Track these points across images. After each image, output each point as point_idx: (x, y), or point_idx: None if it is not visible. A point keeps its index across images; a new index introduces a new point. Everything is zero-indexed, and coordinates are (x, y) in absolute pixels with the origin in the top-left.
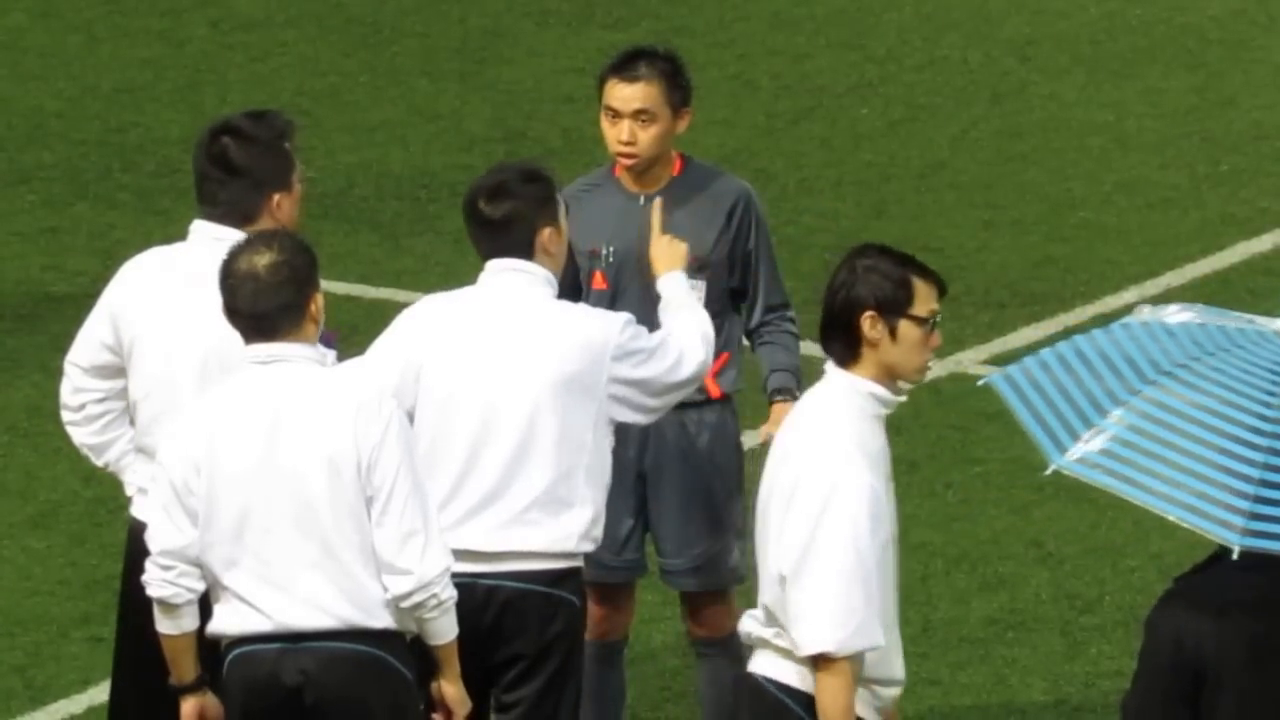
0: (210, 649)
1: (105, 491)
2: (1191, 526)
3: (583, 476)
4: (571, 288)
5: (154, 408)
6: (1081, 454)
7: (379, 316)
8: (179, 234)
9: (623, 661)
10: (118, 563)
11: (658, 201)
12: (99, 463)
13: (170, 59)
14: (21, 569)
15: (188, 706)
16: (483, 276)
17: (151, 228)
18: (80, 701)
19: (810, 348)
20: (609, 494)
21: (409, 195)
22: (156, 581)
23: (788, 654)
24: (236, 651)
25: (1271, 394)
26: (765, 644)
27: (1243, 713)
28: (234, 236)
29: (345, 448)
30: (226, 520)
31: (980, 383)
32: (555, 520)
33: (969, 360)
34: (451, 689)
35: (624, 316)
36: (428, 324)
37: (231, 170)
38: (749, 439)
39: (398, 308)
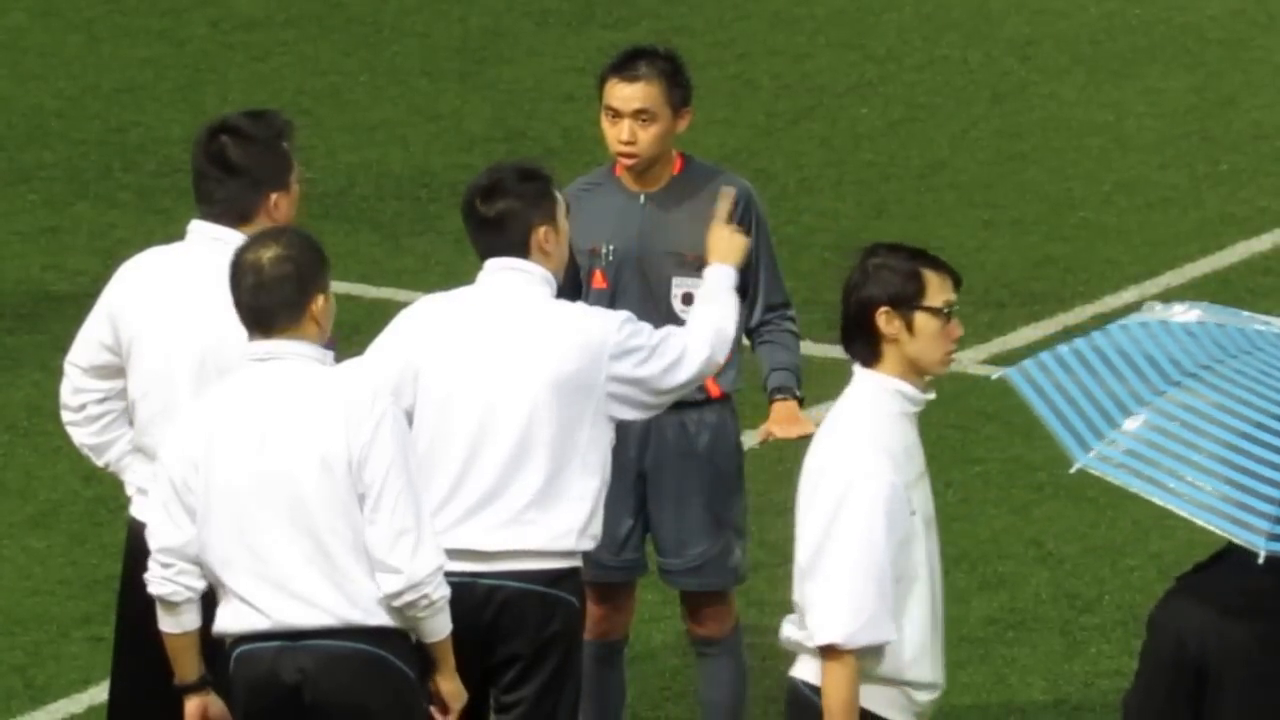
0: (214, 648)
1: (105, 491)
2: (1216, 529)
3: (581, 475)
4: (572, 286)
5: (152, 407)
6: (1106, 453)
7: (379, 316)
8: (180, 234)
9: (623, 661)
10: (118, 562)
11: (725, 190)
12: (99, 463)
13: (171, 58)
14: (22, 568)
15: (191, 706)
16: (481, 276)
17: (152, 227)
18: (80, 701)
19: (810, 347)
20: (609, 493)
21: (409, 195)
22: (156, 579)
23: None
24: (238, 650)
25: None
26: (801, 648)
27: (1245, 712)
28: (232, 236)
29: (336, 446)
30: (223, 518)
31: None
32: (553, 519)
33: (968, 360)
34: (447, 684)
35: (622, 315)
36: (426, 324)
37: (229, 169)
38: (749, 439)
39: (398, 308)
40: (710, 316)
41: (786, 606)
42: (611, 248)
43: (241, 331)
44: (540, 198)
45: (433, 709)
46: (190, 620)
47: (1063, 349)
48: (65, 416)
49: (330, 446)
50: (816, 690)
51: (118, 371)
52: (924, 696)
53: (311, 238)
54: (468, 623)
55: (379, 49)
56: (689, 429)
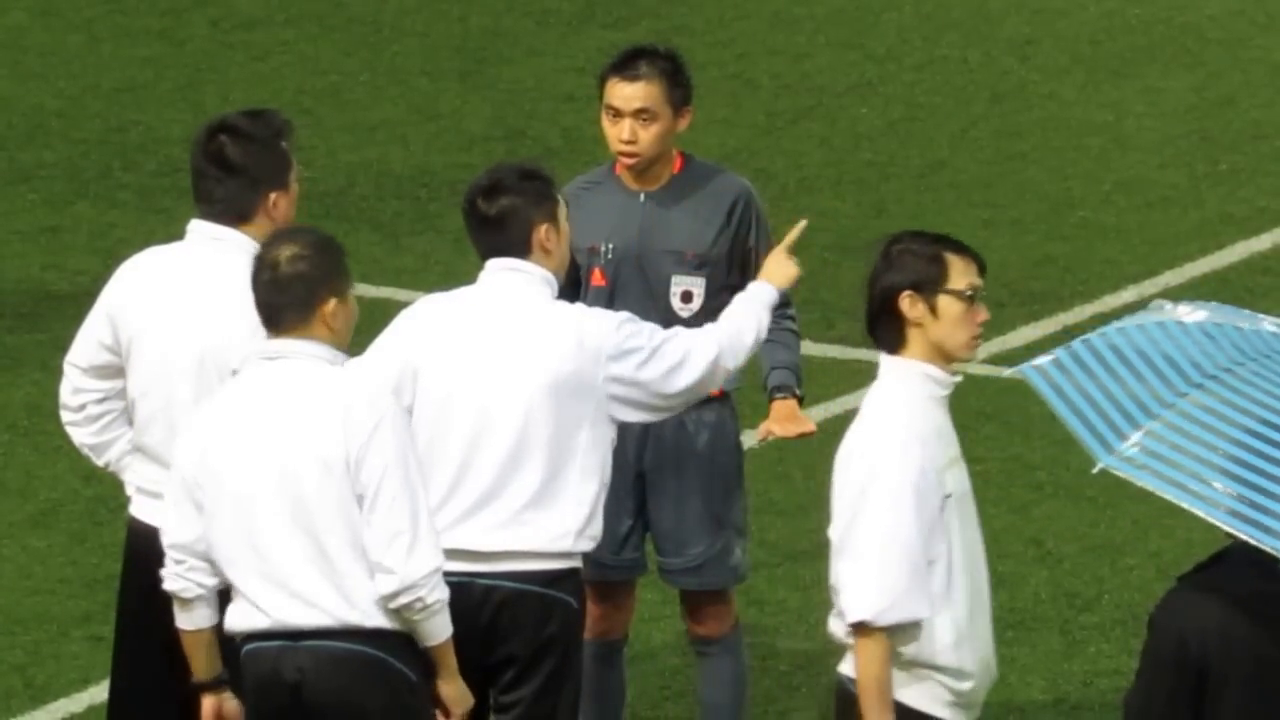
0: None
1: (105, 490)
2: (1238, 533)
3: (579, 476)
4: (570, 286)
5: (152, 406)
6: (1129, 454)
7: (379, 316)
8: (180, 233)
9: (622, 660)
10: (118, 562)
11: (800, 223)
12: (99, 462)
13: (171, 58)
14: (22, 568)
15: (206, 705)
16: (481, 276)
17: (153, 227)
18: (80, 700)
19: (810, 347)
20: (608, 493)
21: (409, 194)
22: (169, 575)
23: None
24: (245, 649)
25: None
26: (845, 645)
27: (1247, 713)
28: (231, 235)
29: (335, 446)
30: (228, 516)
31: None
32: (551, 520)
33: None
34: (449, 688)
35: (621, 316)
36: (426, 324)
37: (228, 168)
38: (749, 438)
39: (398, 307)
40: (733, 322)
41: (787, 606)
42: (611, 246)
43: (241, 330)
44: (542, 197)
45: (438, 713)
46: (203, 617)
47: (1079, 348)
48: (65, 416)
49: (329, 447)
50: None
51: (117, 371)
52: (965, 685)
53: (332, 242)
54: (465, 623)
55: (379, 49)
56: (688, 428)
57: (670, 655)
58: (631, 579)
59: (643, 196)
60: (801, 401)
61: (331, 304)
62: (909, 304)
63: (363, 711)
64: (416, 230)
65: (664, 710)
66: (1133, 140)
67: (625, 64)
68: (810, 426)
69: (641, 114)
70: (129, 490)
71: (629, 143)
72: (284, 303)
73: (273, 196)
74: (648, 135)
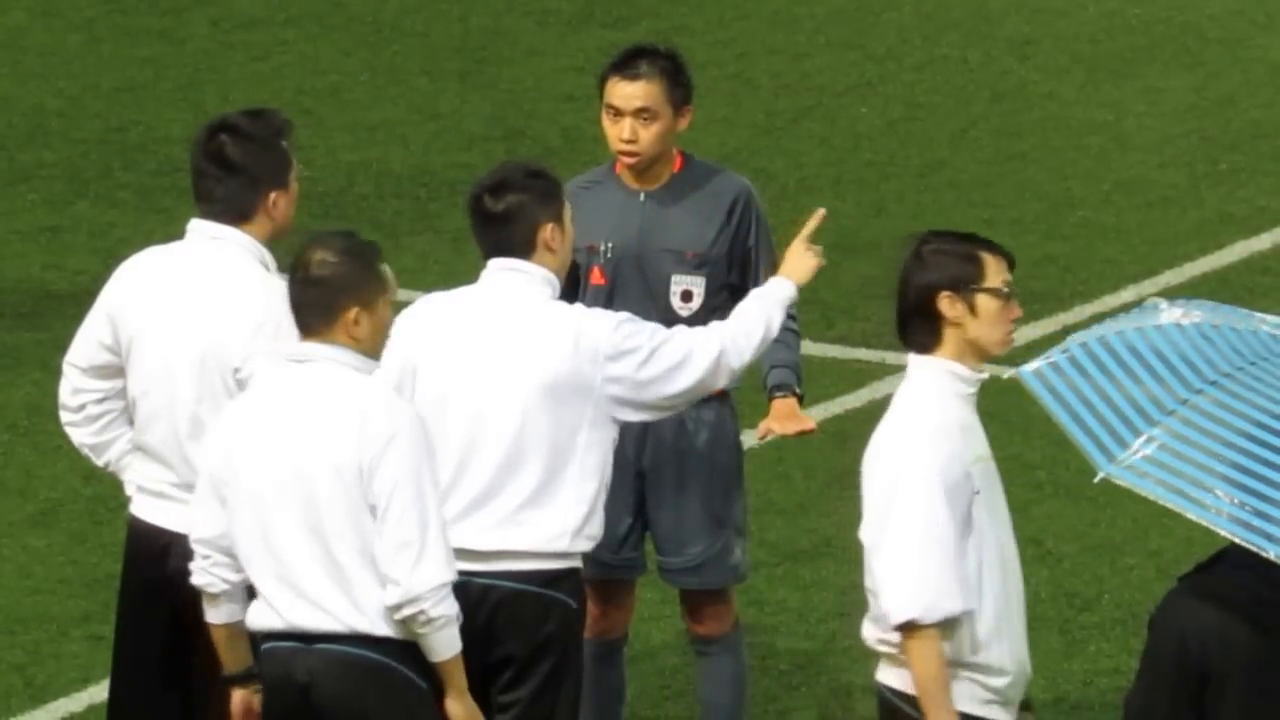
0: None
1: (105, 490)
2: (1242, 541)
3: (578, 476)
4: (569, 284)
5: (152, 405)
6: (1131, 462)
7: None
8: (180, 233)
9: (622, 660)
10: (118, 561)
11: (818, 211)
12: (99, 462)
13: (171, 58)
14: (22, 567)
15: (235, 699)
16: (483, 275)
17: (153, 226)
18: (80, 700)
19: (810, 347)
20: (608, 492)
21: (409, 194)
22: (196, 570)
23: (898, 660)
24: (263, 647)
25: None
26: (880, 649)
27: (1248, 713)
28: (231, 235)
29: (349, 453)
30: (247, 516)
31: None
32: (548, 519)
33: None
34: (457, 706)
35: (621, 316)
36: (425, 323)
37: (228, 168)
38: (748, 437)
39: (397, 307)
40: (742, 321)
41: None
42: (610, 245)
43: (242, 329)
44: (548, 196)
45: None
46: (230, 612)
47: (1074, 348)
48: (64, 416)
49: (343, 454)
50: (899, 695)
51: (117, 371)
52: (1000, 682)
53: (366, 251)
54: (463, 623)
55: (379, 49)
56: (688, 427)
57: (670, 655)
58: (631, 578)
59: (643, 196)
60: (801, 400)
61: (354, 312)
62: (948, 304)
63: (368, 717)
64: (416, 230)
65: (664, 710)
66: (1133, 140)
67: (626, 63)
68: (810, 424)
69: (642, 113)
70: (129, 489)
71: (629, 142)
72: (306, 306)
73: (273, 196)
74: (648, 134)
